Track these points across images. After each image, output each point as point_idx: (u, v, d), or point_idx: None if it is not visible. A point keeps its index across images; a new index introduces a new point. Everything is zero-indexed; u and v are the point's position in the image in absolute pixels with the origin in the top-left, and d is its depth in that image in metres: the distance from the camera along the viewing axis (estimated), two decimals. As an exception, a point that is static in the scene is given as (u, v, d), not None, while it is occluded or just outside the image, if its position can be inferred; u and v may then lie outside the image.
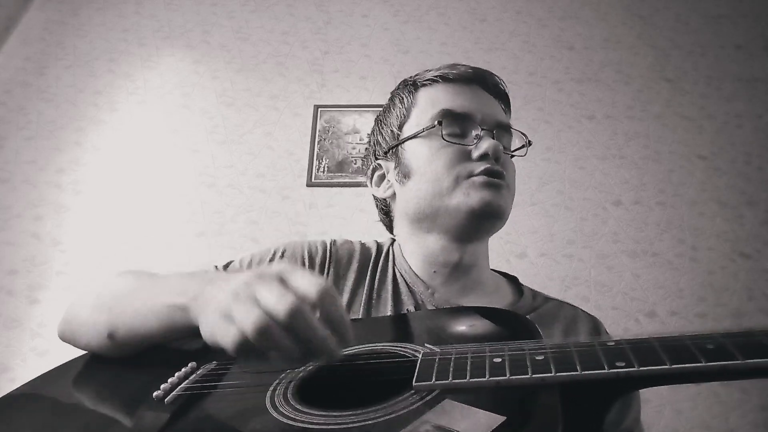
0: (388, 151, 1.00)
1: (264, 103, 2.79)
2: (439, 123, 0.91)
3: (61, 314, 0.85)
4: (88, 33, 3.01)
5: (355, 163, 2.61)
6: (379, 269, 0.94)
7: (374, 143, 1.06)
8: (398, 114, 1.00)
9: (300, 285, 0.56)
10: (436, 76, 0.99)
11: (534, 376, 0.50)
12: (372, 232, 1.14)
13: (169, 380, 0.64)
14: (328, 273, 0.91)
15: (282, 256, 0.93)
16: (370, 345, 0.68)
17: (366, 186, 1.08)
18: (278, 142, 2.68)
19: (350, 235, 1.06)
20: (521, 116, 2.69)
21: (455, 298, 0.91)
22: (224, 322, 0.56)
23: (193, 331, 0.66)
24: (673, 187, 2.57)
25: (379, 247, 1.00)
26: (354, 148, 2.65)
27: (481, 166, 0.89)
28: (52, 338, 2.15)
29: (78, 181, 2.58)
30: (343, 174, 2.59)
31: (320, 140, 2.68)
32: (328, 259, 0.93)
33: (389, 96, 1.06)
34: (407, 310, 0.88)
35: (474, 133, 0.92)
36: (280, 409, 0.56)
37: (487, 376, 0.52)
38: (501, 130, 0.95)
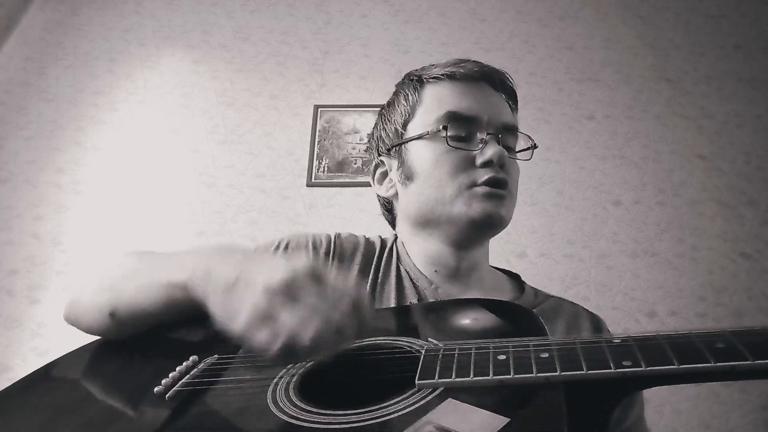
0: (392, 148, 0.99)
1: (264, 103, 2.79)
2: (444, 128, 0.90)
3: (64, 305, 0.85)
4: (88, 33, 3.01)
5: (355, 163, 2.61)
6: (383, 264, 0.94)
7: (377, 138, 1.05)
8: (402, 111, 0.99)
9: (342, 289, 0.58)
10: (442, 74, 0.97)
11: (539, 375, 0.50)
12: (372, 232, 1.14)
13: (170, 375, 0.64)
14: (331, 266, 0.91)
15: (286, 248, 0.93)
16: (373, 338, 0.68)
17: (366, 186, 1.08)
18: (278, 142, 2.68)
19: (350, 235, 1.06)
20: (521, 116, 2.66)
21: (457, 295, 0.90)
22: (263, 325, 0.56)
23: (194, 309, 0.67)
24: (673, 187, 2.57)
25: (383, 242, 1.00)
26: (354, 148, 2.65)
27: (484, 175, 0.88)
28: (52, 338, 2.15)
29: (78, 181, 2.57)
30: (343, 174, 2.59)
31: (320, 140, 2.67)
32: (332, 251, 0.93)
33: (394, 90, 1.05)
34: (410, 302, 0.88)
35: (479, 136, 0.91)
36: (281, 405, 0.56)
37: (491, 375, 0.51)
38: (507, 132, 0.94)
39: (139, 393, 0.62)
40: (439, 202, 0.90)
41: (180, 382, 0.63)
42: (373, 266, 0.93)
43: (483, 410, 0.48)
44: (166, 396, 0.61)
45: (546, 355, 0.52)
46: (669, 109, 2.78)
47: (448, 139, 0.90)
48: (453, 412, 0.49)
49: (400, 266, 0.94)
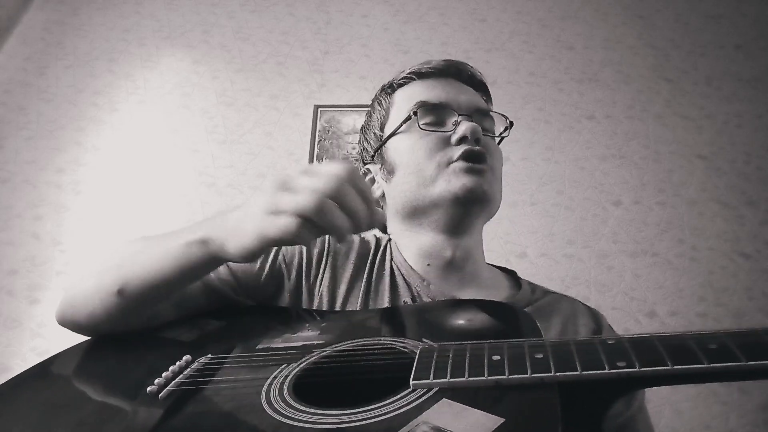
0: (374, 154, 1.02)
1: (264, 103, 2.79)
2: (415, 114, 0.92)
3: (56, 307, 0.84)
4: (88, 33, 3.01)
5: (355, 163, 2.60)
6: (377, 263, 0.94)
7: (361, 150, 1.08)
8: (378, 116, 1.03)
9: (328, 170, 0.63)
10: (410, 74, 1.01)
11: (533, 375, 0.50)
12: (371, 232, 1.14)
13: (164, 374, 0.64)
14: (325, 265, 0.91)
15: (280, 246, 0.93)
16: (367, 339, 0.68)
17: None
18: (278, 142, 2.68)
19: (349, 235, 1.06)
20: (521, 116, 2.69)
21: (451, 291, 0.90)
22: (273, 216, 0.61)
23: (213, 266, 0.73)
24: (673, 187, 2.57)
25: (377, 241, 1.00)
26: (354, 148, 2.65)
27: (460, 150, 0.89)
28: (52, 338, 2.15)
29: (78, 181, 2.58)
30: (343, 174, 2.59)
31: (320, 140, 2.67)
32: (326, 251, 0.93)
33: (370, 104, 1.08)
34: (404, 302, 0.87)
35: (452, 120, 0.93)
36: (275, 405, 0.56)
37: (485, 375, 0.51)
38: (480, 114, 0.96)
39: (133, 392, 0.62)
40: (421, 185, 0.91)
41: (173, 382, 0.63)
42: (367, 266, 0.93)
43: (477, 410, 0.48)
44: (159, 395, 0.61)
45: (541, 355, 0.52)
46: (669, 109, 2.78)
47: (420, 124, 0.92)
48: (447, 412, 0.49)
49: (393, 265, 0.94)
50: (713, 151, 2.66)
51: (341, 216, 0.61)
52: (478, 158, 0.89)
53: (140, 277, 0.75)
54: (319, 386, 0.59)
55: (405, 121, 0.94)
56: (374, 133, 1.03)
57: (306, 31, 3.02)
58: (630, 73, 2.88)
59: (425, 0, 3.12)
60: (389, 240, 1.00)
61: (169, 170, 2.61)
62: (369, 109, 1.08)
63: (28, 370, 0.73)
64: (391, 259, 0.95)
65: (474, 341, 0.59)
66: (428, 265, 0.93)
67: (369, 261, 0.94)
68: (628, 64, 2.91)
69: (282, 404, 0.56)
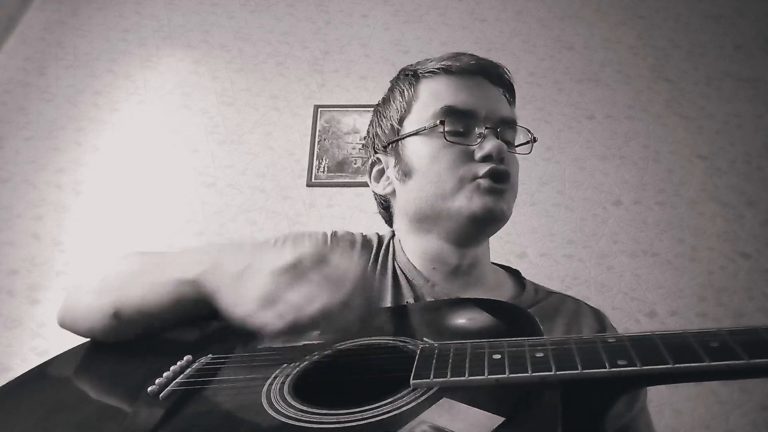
0: (388, 145, 0.98)
1: (264, 103, 2.79)
2: (441, 122, 0.89)
3: (58, 310, 0.84)
4: (88, 33, 3.01)
5: (355, 163, 2.61)
6: (380, 261, 0.93)
7: (373, 135, 1.03)
8: (398, 107, 0.97)
9: (347, 267, 0.61)
10: (438, 68, 0.95)
11: (534, 374, 0.49)
12: (371, 231, 1.14)
13: (164, 374, 0.64)
14: (336, 248, 0.90)
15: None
16: (368, 338, 0.68)
17: (367, 186, 1.06)
18: (278, 142, 2.68)
19: (350, 236, 1.05)
20: (521, 116, 2.66)
21: (456, 292, 0.89)
22: (269, 308, 0.59)
23: (203, 306, 0.69)
24: (673, 187, 2.57)
25: (380, 239, 0.99)
26: (354, 148, 2.65)
27: (485, 168, 0.86)
28: (52, 338, 2.15)
29: (78, 181, 2.57)
30: (343, 174, 2.59)
31: (320, 140, 2.67)
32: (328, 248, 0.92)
33: (389, 86, 1.03)
34: (406, 302, 0.87)
35: (477, 131, 0.89)
36: (276, 405, 0.56)
37: (486, 374, 0.51)
38: (505, 126, 0.92)
39: (133, 392, 0.62)
40: (439, 197, 0.88)
41: (174, 382, 0.63)
42: (369, 264, 0.92)
43: (478, 409, 0.48)
44: (160, 396, 0.60)
45: (541, 354, 0.52)
46: (669, 109, 2.78)
47: (446, 134, 0.88)
48: (448, 412, 0.49)
49: (396, 264, 0.93)
50: (713, 151, 2.66)
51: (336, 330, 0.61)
52: (502, 178, 0.87)
53: (134, 306, 0.74)
54: (319, 385, 0.59)
55: (430, 127, 0.90)
56: (391, 124, 0.98)
57: (306, 31, 3.02)
58: (630, 73, 2.88)
59: (425, 0, 3.12)
60: (392, 237, 0.99)
61: (169, 170, 2.61)
62: (387, 92, 1.03)
63: (29, 371, 0.73)
64: (394, 258, 0.94)
65: (474, 340, 0.59)
66: (433, 268, 0.92)
67: (371, 259, 0.93)
68: (628, 64, 2.91)
69: (283, 404, 0.56)
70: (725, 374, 0.45)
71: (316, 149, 2.65)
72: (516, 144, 0.96)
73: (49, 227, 2.46)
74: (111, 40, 2.99)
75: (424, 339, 0.64)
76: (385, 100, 1.02)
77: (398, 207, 0.98)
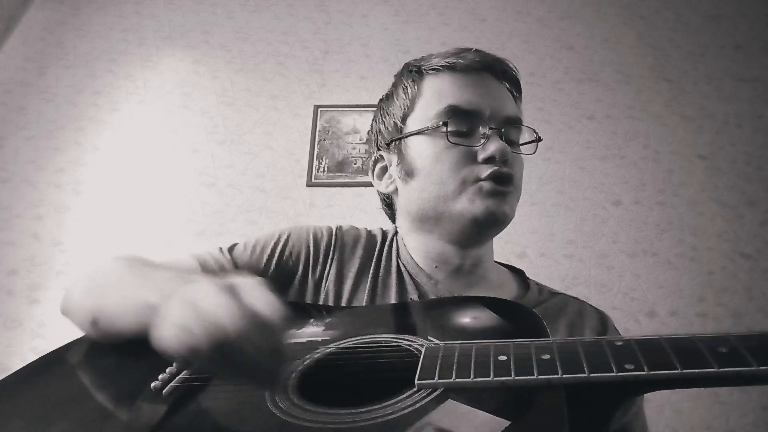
0: (391, 143, 0.97)
1: (264, 103, 2.79)
2: (445, 123, 0.88)
3: (62, 297, 0.84)
4: (88, 33, 3.00)
5: (355, 163, 2.61)
6: (384, 257, 0.93)
7: (376, 132, 1.02)
8: (402, 105, 0.96)
9: (251, 302, 0.55)
10: (442, 65, 0.93)
11: (540, 377, 0.49)
12: (376, 225, 1.14)
13: (167, 370, 0.63)
14: (332, 260, 0.90)
15: (287, 240, 0.91)
16: (372, 336, 0.67)
17: (367, 186, 1.06)
18: (278, 142, 2.68)
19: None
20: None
21: (460, 291, 0.89)
22: (170, 329, 0.56)
23: None
24: (673, 187, 2.57)
25: (384, 235, 0.98)
26: (354, 148, 2.64)
27: (488, 170, 0.85)
28: (52, 338, 2.15)
29: (78, 181, 2.57)
30: (343, 174, 2.59)
31: (320, 140, 2.67)
32: (333, 244, 0.92)
33: (393, 81, 1.02)
34: (411, 299, 0.86)
35: (481, 131, 0.88)
36: (279, 404, 0.55)
37: (491, 376, 0.51)
38: (510, 125, 0.91)
39: (136, 388, 0.62)
40: (441, 198, 0.87)
41: (177, 378, 0.63)
42: (374, 260, 0.92)
43: (483, 412, 0.47)
44: (163, 392, 0.60)
45: (547, 356, 0.51)
46: (669, 109, 2.78)
47: (449, 134, 0.88)
48: (453, 414, 0.48)
49: (399, 261, 0.93)
50: (713, 151, 2.66)
51: (216, 367, 0.55)
52: (505, 180, 0.86)
53: (108, 318, 0.72)
54: (322, 383, 0.59)
55: (433, 128, 0.89)
56: (394, 122, 0.96)
57: (306, 31, 3.02)
58: (630, 73, 2.88)
59: (425, 0, 3.12)
60: (395, 234, 0.99)
61: (169, 170, 2.60)
62: (391, 88, 1.02)
63: (29, 363, 0.73)
64: (398, 255, 0.94)
65: (480, 341, 0.58)
66: (436, 267, 0.92)
67: (375, 256, 0.93)
68: (628, 64, 2.91)
69: (286, 402, 0.55)
70: (734, 380, 0.44)
71: (316, 149, 2.65)
72: (521, 143, 0.95)
73: (49, 227, 2.45)
74: (111, 40, 2.98)
75: (429, 338, 0.64)
76: (389, 96, 1.01)
77: (401, 206, 0.98)
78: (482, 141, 0.88)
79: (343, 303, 0.86)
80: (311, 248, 0.91)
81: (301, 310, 0.81)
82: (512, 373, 0.50)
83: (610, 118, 2.75)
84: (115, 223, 2.47)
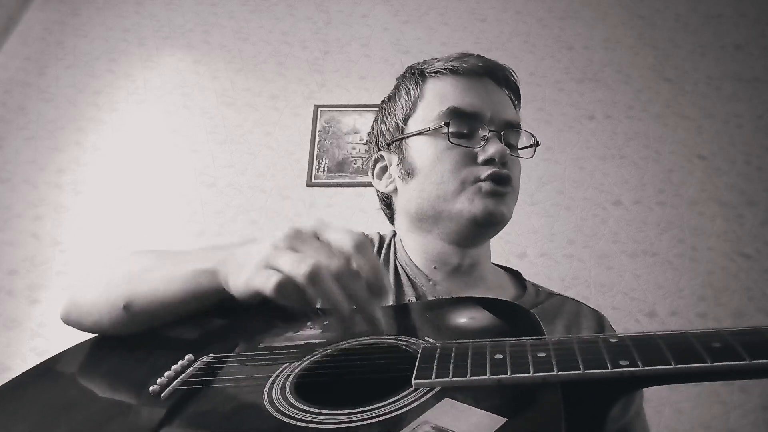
0: (392, 143, 0.98)
1: (264, 103, 2.79)
2: (446, 124, 0.89)
3: (61, 306, 0.84)
4: (88, 33, 3.01)
5: (355, 163, 2.61)
6: (381, 260, 0.93)
7: (377, 132, 1.03)
8: (403, 106, 0.97)
9: (337, 240, 0.59)
10: (444, 68, 0.95)
11: (536, 374, 0.49)
12: (374, 228, 1.14)
13: (165, 374, 0.63)
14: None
15: None
16: (369, 337, 0.67)
17: (366, 186, 1.07)
18: (278, 142, 2.68)
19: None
20: (521, 116, 2.67)
21: (457, 292, 0.90)
22: (265, 270, 0.59)
23: (218, 297, 0.70)
24: (673, 187, 2.57)
25: (381, 238, 0.99)
26: (354, 148, 2.65)
27: (487, 171, 0.87)
28: (52, 338, 2.15)
29: (78, 181, 2.57)
30: (343, 174, 2.59)
31: (320, 140, 2.67)
32: None
33: (395, 83, 1.03)
34: (408, 300, 0.87)
35: (481, 133, 0.90)
36: (277, 405, 0.55)
37: (488, 374, 0.51)
38: (509, 129, 0.93)
39: (135, 392, 0.62)
40: (441, 198, 0.89)
41: (175, 381, 0.63)
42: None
43: (480, 410, 0.48)
44: (162, 395, 0.60)
45: (543, 354, 0.52)
46: (669, 109, 2.78)
47: (450, 135, 0.89)
48: (450, 412, 0.48)
49: (398, 263, 0.93)
50: (713, 151, 2.66)
51: (337, 294, 0.57)
52: (504, 181, 0.88)
53: (147, 297, 0.74)
54: (320, 385, 0.59)
55: (434, 129, 0.90)
56: (396, 123, 0.98)
57: (306, 31, 3.02)
58: (630, 73, 2.88)
59: (425, 0, 3.12)
60: (393, 236, 1.00)
61: (169, 170, 2.61)
62: (393, 90, 1.03)
63: (30, 369, 0.73)
64: (395, 256, 0.95)
65: (476, 340, 0.59)
66: (434, 268, 0.92)
67: None
68: (628, 64, 2.91)
69: (284, 403, 0.56)
70: (727, 375, 0.45)
71: (316, 149, 2.65)
72: (519, 147, 0.96)
73: (48, 227, 2.45)
74: (111, 40, 2.99)
75: (426, 338, 0.64)
76: (391, 98, 1.02)
77: (400, 205, 0.98)
78: (482, 143, 0.89)
79: None
80: None
81: (298, 314, 0.82)
82: (508, 371, 0.51)
83: (610, 118, 2.75)
84: (115, 224, 2.47)
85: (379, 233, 1.01)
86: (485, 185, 0.86)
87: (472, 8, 3.09)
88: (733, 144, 2.68)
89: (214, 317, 0.77)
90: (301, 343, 0.69)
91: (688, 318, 2.28)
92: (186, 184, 2.57)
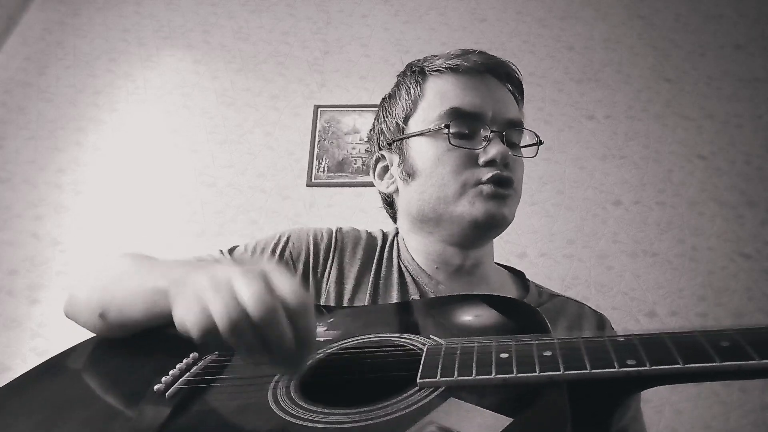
0: (392, 143, 0.97)
1: (264, 103, 2.79)
2: (447, 126, 0.88)
3: (64, 299, 0.85)
4: (88, 33, 3.01)
5: (355, 163, 2.61)
6: (384, 258, 0.93)
7: (378, 131, 1.02)
8: (404, 105, 0.96)
9: (282, 288, 0.56)
10: (445, 67, 0.94)
11: (542, 374, 0.49)
12: (377, 226, 1.14)
13: (171, 372, 0.63)
14: (332, 260, 0.90)
15: (287, 242, 0.92)
16: (374, 335, 0.67)
17: (367, 186, 1.07)
18: (278, 142, 2.68)
19: (351, 235, 1.05)
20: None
21: (460, 291, 0.89)
22: (197, 306, 0.56)
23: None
24: (673, 187, 2.57)
25: (384, 236, 0.99)
26: (354, 148, 2.64)
27: (488, 173, 0.85)
28: (52, 338, 2.15)
29: (78, 181, 2.57)
30: (343, 174, 2.59)
31: (320, 140, 2.67)
32: (333, 246, 0.92)
33: (396, 81, 1.02)
34: (412, 298, 0.87)
35: (483, 134, 0.89)
36: (282, 404, 0.55)
37: (493, 373, 0.51)
38: (511, 128, 0.91)
39: (140, 390, 0.62)
40: (442, 200, 0.88)
41: (180, 380, 0.63)
42: (375, 261, 0.92)
43: (485, 410, 0.47)
44: (167, 394, 0.60)
45: (549, 353, 0.51)
46: (669, 109, 2.78)
47: (451, 137, 0.88)
48: (455, 412, 0.48)
49: (400, 262, 0.93)
50: (713, 151, 2.66)
51: (254, 346, 0.54)
52: (506, 184, 0.86)
53: (118, 308, 0.74)
54: (325, 385, 0.59)
55: (435, 130, 0.89)
56: (396, 122, 0.96)
57: (306, 31, 3.02)
58: (630, 73, 2.88)
59: (425, 0, 3.12)
60: (396, 235, 0.99)
61: (169, 170, 2.60)
62: (393, 88, 1.02)
63: (35, 368, 0.73)
64: (399, 255, 0.94)
65: (481, 338, 0.58)
66: (437, 268, 0.92)
67: (377, 256, 0.93)
68: (628, 64, 2.91)
69: (289, 402, 0.56)
70: (736, 374, 0.44)
71: (316, 149, 2.65)
72: (522, 145, 0.95)
73: (48, 227, 2.45)
74: (111, 40, 2.98)
75: (431, 336, 0.64)
76: (391, 96, 1.01)
77: (401, 206, 0.98)
78: (483, 144, 0.88)
79: (345, 303, 0.86)
80: (311, 250, 0.91)
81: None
82: (514, 370, 0.50)
83: (610, 118, 2.75)
84: (115, 223, 2.47)
85: (382, 231, 1.01)
86: (486, 188, 0.85)
87: (472, 8, 3.09)
88: (733, 144, 2.68)
89: None
90: None
91: (688, 318, 2.28)
92: (186, 184, 2.56)
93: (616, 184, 2.58)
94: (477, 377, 0.51)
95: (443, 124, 0.88)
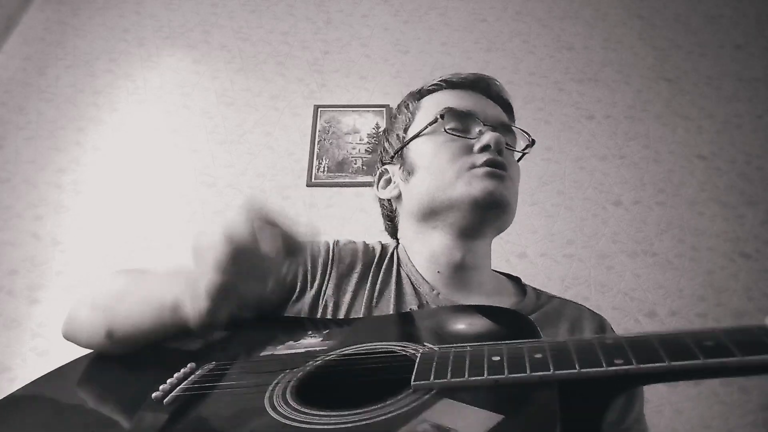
0: (395, 155, 1.02)
1: (264, 103, 2.79)
2: (441, 117, 0.93)
3: (64, 313, 0.85)
4: (88, 33, 3.01)
5: (355, 163, 2.61)
6: (382, 270, 0.94)
7: (381, 151, 1.09)
8: (404, 119, 1.03)
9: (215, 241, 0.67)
10: (440, 81, 1.02)
11: (532, 374, 0.50)
12: (372, 232, 1.14)
13: (168, 381, 0.64)
14: (330, 274, 0.91)
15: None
16: (370, 344, 0.68)
17: (367, 186, 1.10)
18: (278, 142, 2.68)
19: (350, 235, 1.06)
20: (521, 116, 2.66)
21: (458, 299, 0.90)
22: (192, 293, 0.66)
23: (184, 329, 0.70)
24: (673, 187, 2.57)
25: (383, 248, 1.00)
26: (354, 148, 2.65)
27: (482, 158, 0.90)
28: (52, 338, 2.15)
29: (78, 181, 2.58)
30: (343, 174, 2.59)
31: (320, 140, 2.67)
32: (330, 259, 0.93)
33: (396, 108, 1.09)
34: (409, 309, 0.88)
35: (477, 129, 0.94)
36: (279, 409, 0.56)
37: (485, 375, 0.52)
38: (504, 129, 0.97)
39: (138, 399, 0.63)
40: (440, 188, 0.91)
41: (178, 388, 0.64)
42: (371, 273, 0.93)
43: (477, 408, 0.48)
44: (164, 401, 0.61)
45: (539, 355, 0.52)
46: (669, 109, 2.78)
47: (446, 127, 0.93)
48: (448, 411, 0.49)
49: (402, 272, 0.94)
50: (713, 151, 2.66)
51: (250, 284, 0.65)
52: (500, 165, 0.90)
53: (124, 326, 0.76)
54: (321, 390, 0.60)
55: (431, 123, 0.95)
56: (397, 135, 1.03)
57: (306, 31, 3.02)
58: (630, 73, 2.88)
59: (425, 0, 3.12)
60: (396, 247, 1.01)
61: (169, 170, 2.61)
62: (394, 112, 1.10)
63: (37, 380, 0.74)
64: (399, 266, 0.95)
65: (474, 344, 0.59)
66: (438, 272, 0.93)
67: (373, 268, 0.94)
68: (628, 64, 2.91)
69: (285, 407, 0.56)
70: (719, 371, 0.46)
71: (316, 149, 2.65)
72: (516, 150, 1.01)
73: (48, 227, 2.45)
74: (111, 40, 2.99)
75: (426, 344, 0.65)
76: (392, 118, 1.09)
77: (403, 209, 1.00)
78: (477, 135, 0.94)
79: (342, 316, 0.87)
80: (308, 264, 0.92)
81: (298, 324, 0.83)
82: (505, 371, 0.51)
83: (610, 118, 2.75)
84: (115, 224, 2.47)
85: (380, 242, 1.02)
86: (481, 169, 0.89)
87: (473, 8, 3.09)
88: (733, 144, 2.68)
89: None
90: (302, 350, 0.70)
91: (688, 318, 2.27)
92: (186, 184, 2.57)
93: (616, 184, 2.58)
94: (469, 378, 0.52)
95: (438, 116, 0.94)
